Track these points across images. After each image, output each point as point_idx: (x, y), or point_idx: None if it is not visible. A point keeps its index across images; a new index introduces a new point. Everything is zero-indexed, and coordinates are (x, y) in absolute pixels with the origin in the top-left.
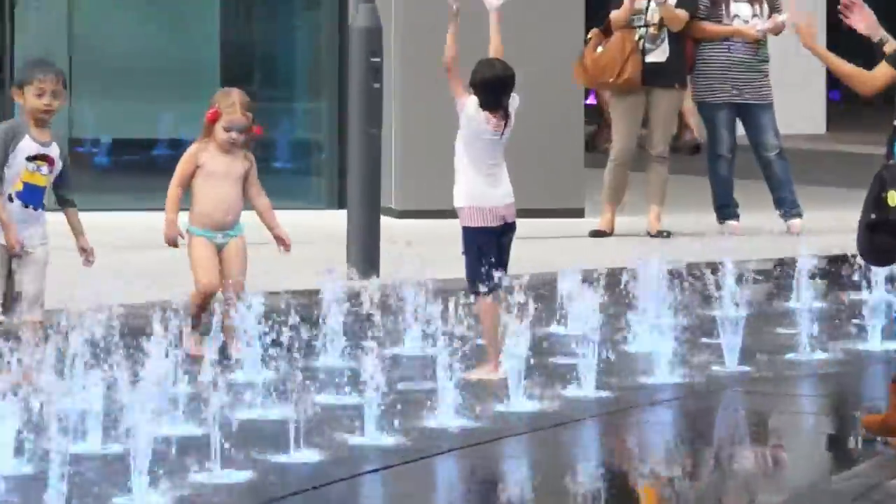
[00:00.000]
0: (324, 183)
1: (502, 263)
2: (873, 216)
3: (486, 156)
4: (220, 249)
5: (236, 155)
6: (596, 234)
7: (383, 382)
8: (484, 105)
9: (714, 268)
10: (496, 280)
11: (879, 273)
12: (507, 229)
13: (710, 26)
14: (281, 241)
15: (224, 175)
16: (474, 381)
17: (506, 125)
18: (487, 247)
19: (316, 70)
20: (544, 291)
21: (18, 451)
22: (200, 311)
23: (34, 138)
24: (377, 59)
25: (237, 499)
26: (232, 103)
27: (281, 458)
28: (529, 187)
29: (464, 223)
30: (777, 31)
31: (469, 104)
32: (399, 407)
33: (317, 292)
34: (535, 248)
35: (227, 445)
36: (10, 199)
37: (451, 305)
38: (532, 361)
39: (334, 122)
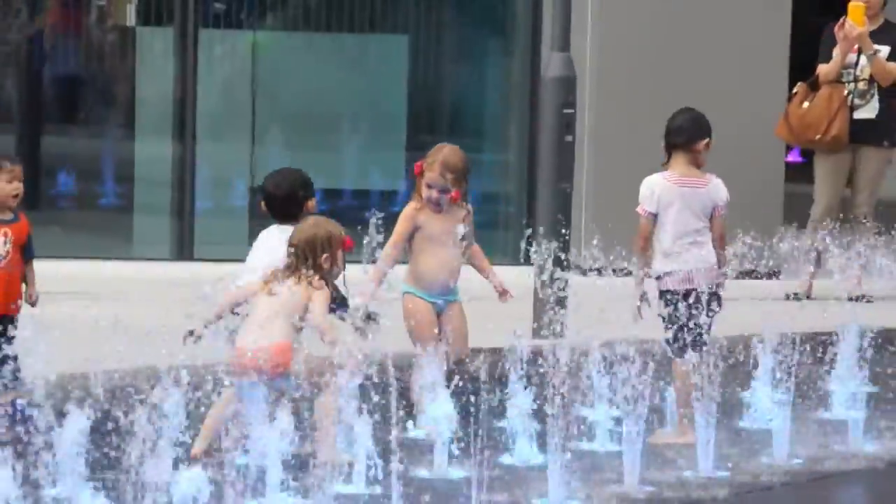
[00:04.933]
0: (510, 237)
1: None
2: None
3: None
4: (439, 313)
5: (452, 213)
6: (792, 297)
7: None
8: None
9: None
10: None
11: None
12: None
13: None
14: (503, 291)
15: (444, 236)
16: (661, 445)
17: None
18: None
19: (505, 120)
20: (738, 354)
21: None
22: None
23: None
24: (570, 111)
25: None
26: (433, 161)
27: None
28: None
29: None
30: None
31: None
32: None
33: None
34: (729, 310)
35: None
36: None
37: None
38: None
39: (523, 176)
